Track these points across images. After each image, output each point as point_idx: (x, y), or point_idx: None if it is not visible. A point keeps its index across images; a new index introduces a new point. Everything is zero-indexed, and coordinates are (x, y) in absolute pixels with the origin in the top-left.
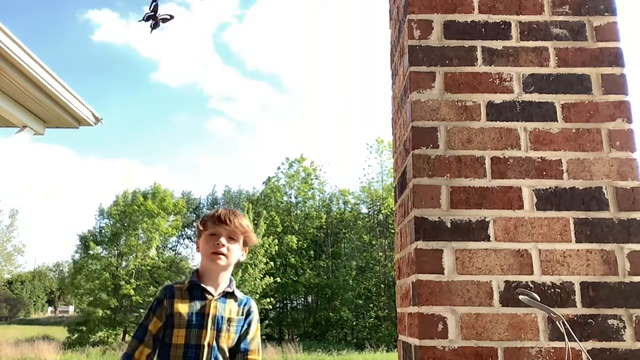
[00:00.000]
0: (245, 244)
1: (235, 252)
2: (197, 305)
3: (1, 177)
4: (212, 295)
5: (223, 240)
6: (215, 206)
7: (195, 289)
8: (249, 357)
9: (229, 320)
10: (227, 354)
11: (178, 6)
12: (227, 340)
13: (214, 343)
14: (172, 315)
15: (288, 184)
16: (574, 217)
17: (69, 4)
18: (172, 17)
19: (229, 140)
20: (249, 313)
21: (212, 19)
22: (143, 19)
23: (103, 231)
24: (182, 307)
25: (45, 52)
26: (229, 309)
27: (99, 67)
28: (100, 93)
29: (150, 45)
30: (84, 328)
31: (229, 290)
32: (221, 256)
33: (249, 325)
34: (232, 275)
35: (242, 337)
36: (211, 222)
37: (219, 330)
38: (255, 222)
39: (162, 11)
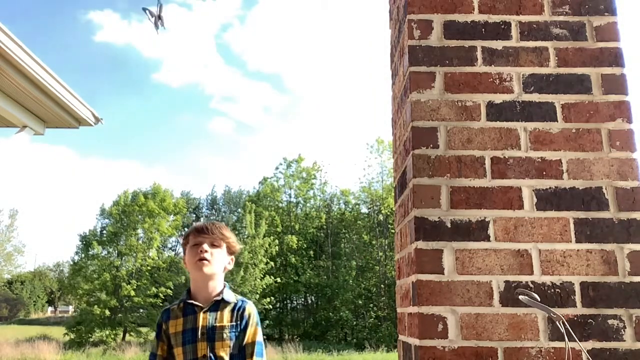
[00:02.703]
0: (229, 252)
1: (220, 258)
2: (189, 321)
3: (1, 177)
4: (201, 308)
5: (205, 246)
6: (203, 217)
7: (187, 306)
8: None
9: (222, 327)
10: None
11: (180, 7)
12: (225, 348)
13: (210, 353)
14: (169, 336)
15: (287, 184)
16: (574, 217)
17: (71, 5)
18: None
19: (230, 141)
20: (242, 317)
21: (214, 19)
22: (151, 17)
23: (104, 231)
24: (177, 327)
25: (47, 52)
26: (221, 317)
27: (101, 67)
28: (101, 93)
29: (152, 45)
30: (84, 328)
31: (218, 298)
32: (205, 262)
33: (245, 329)
34: (233, 275)
35: (240, 342)
36: (192, 234)
37: (212, 340)
38: (256, 222)
39: (163, 12)
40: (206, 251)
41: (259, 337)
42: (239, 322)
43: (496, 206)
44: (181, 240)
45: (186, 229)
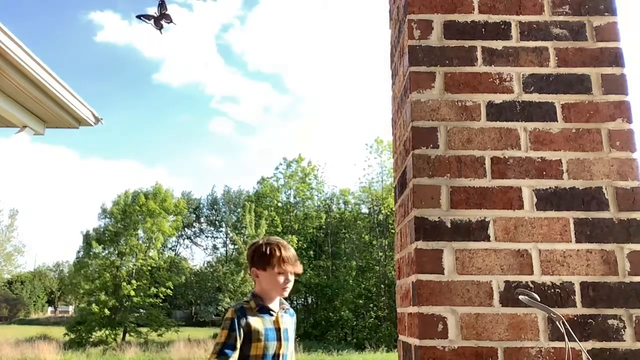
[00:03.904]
0: None
1: None
2: (268, 321)
3: (1, 177)
4: (276, 312)
5: (291, 276)
6: (265, 237)
7: (263, 309)
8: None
9: (288, 330)
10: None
11: (180, 7)
12: (289, 346)
13: (286, 352)
14: (250, 331)
15: (287, 184)
16: (574, 217)
17: (72, 6)
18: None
19: (230, 141)
20: (295, 322)
21: (214, 20)
22: (150, 18)
23: (105, 231)
24: (258, 324)
25: (48, 53)
26: (287, 321)
27: (102, 68)
28: (102, 94)
29: (153, 46)
30: (84, 328)
31: (285, 307)
32: (289, 289)
33: (296, 330)
34: (234, 275)
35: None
36: (280, 261)
37: (287, 340)
38: (256, 222)
39: (163, 12)
40: (291, 281)
41: None
42: (295, 327)
43: (496, 206)
44: (250, 248)
45: (186, 229)
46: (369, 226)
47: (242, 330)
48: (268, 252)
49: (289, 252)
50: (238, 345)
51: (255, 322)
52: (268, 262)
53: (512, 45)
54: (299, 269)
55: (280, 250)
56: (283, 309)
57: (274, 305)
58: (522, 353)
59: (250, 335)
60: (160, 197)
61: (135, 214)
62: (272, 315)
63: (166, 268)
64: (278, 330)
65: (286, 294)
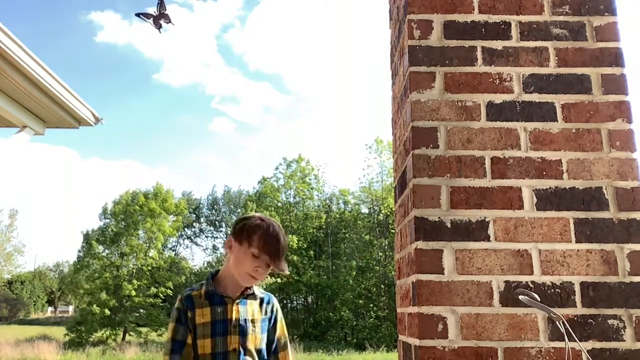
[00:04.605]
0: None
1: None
2: (219, 311)
3: (1, 177)
4: (232, 299)
5: (265, 270)
6: (256, 215)
7: (214, 296)
8: (279, 356)
9: (253, 321)
10: (258, 356)
11: (181, 7)
12: (255, 341)
13: (240, 348)
14: (195, 326)
15: (287, 183)
16: (574, 217)
17: (72, 6)
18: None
19: (230, 141)
20: (272, 311)
21: (214, 20)
22: (149, 17)
23: (106, 231)
24: (205, 317)
25: (49, 53)
26: (251, 310)
27: (102, 68)
28: (103, 94)
29: (153, 46)
30: (84, 328)
31: (249, 292)
32: (256, 281)
33: (275, 323)
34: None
35: (270, 336)
36: (261, 242)
37: (244, 334)
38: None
39: (163, 12)
40: (262, 274)
41: (285, 330)
42: (269, 316)
43: (496, 206)
44: (240, 216)
45: (186, 229)
46: (369, 226)
47: (189, 323)
48: (254, 225)
49: (279, 242)
50: (189, 341)
51: (202, 314)
52: (249, 236)
53: (512, 45)
54: (280, 265)
55: (269, 232)
56: (244, 295)
57: (230, 290)
58: (522, 353)
59: (196, 330)
60: (161, 198)
61: (136, 214)
62: (225, 303)
63: (166, 268)
64: (229, 321)
65: (249, 284)
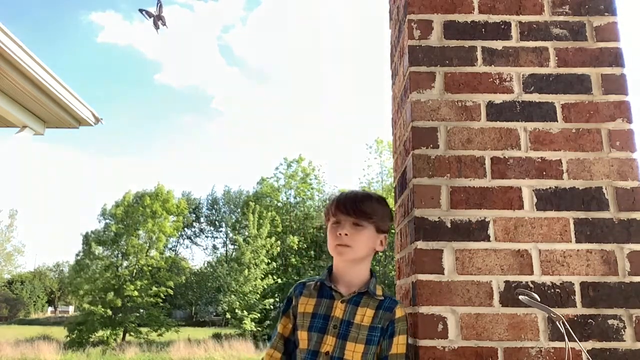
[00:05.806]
0: (379, 230)
1: (365, 241)
2: (323, 304)
3: (1, 177)
4: (341, 295)
5: (347, 228)
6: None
7: (325, 288)
8: None
9: (359, 327)
10: None
11: (182, 8)
12: (355, 352)
13: (335, 353)
14: (296, 315)
15: (287, 184)
16: (574, 217)
17: (73, 6)
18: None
19: (231, 141)
20: (390, 320)
21: (215, 20)
22: (151, 16)
23: (107, 231)
24: (308, 307)
25: (50, 54)
26: (361, 314)
27: (103, 68)
28: (103, 94)
29: (154, 46)
30: (84, 328)
31: (362, 290)
32: (344, 248)
33: (391, 337)
34: (235, 275)
35: (383, 352)
36: (333, 209)
37: (344, 337)
38: (259, 222)
39: (164, 12)
40: (346, 234)
41: (405, 351)
42: (384, 326)
43: (496, 206)
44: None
45: (186, 229)
46: None
47: (291, 313)
48: (331, 197)
49: (351, 192)
50: (284, 331)
51: (305, 303)
52: (327, 209)
53: (512, 45)
54: (369, 218)
55: (339, 195)
56: (369, 297)
57: (343, 285)
58: (522, 353)
59: (296, 319)
60: (162, 198)
61: (137, 215)
62: (333, 298)
63: (166, 268)
64: (330, 318)
65: (343, 256)
